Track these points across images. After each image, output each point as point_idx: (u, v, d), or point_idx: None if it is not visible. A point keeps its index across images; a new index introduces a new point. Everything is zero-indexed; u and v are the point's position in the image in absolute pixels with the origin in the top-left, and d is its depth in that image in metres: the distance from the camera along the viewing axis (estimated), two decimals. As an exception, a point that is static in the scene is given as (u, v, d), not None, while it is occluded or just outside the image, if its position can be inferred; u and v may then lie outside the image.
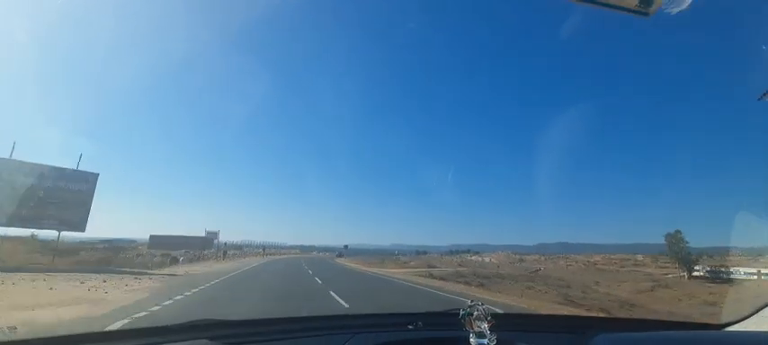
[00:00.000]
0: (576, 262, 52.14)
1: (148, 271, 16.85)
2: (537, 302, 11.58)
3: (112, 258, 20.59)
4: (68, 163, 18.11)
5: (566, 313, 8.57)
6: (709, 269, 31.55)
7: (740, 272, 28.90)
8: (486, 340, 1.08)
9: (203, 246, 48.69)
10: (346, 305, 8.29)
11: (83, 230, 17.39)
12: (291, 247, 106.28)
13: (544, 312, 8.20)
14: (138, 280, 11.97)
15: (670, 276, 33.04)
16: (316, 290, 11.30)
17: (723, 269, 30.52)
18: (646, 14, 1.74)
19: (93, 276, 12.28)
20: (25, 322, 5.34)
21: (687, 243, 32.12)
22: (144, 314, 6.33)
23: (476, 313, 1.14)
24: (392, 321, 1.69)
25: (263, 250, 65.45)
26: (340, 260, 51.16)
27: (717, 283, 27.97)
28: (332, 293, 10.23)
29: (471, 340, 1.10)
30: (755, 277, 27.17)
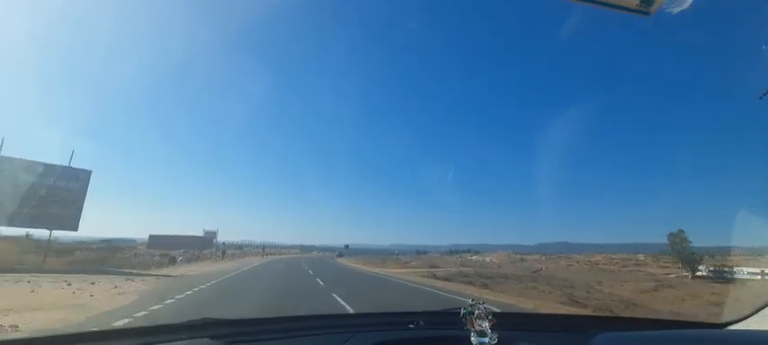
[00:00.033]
0: (578, 262, 51.99)
1: (143, 272, 16.49)
2: (542, 303, 11.36)
3: (108, 258, 20.17)
4: (65, 162, 17.64)
5: (572, 313, 8.41)
6: (712, 268, 31.33)
7: (743, 272, 28.71)
8: (487, 339, 1.07)
9: (203, 246, 48.56)
10: (350, 309, 8.02)
11: (75, 229, 16.87)
12: (291, 247, 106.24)
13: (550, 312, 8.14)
14: (130, 282, 11.60)
15: (672, 276, 32.84)
16: (317, 292, 10.97)
17: (726, 269, 30.31)
18: (646, 14, 1.72)
19: (84, 277, 11.93)
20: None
21: (690, 242, 31.93)
22: (126, 321, 5.91)
23: (477, 311, 1.13)
24: (393, 319, 1.70)
25: (263, 250, 65.22)
26: (341, 260, 50.94)
27: (720, 283, 27.80)
28: (335, 296, 9.93)
29: (472, 338, 1.09)
30: (759, 277, 26.99)
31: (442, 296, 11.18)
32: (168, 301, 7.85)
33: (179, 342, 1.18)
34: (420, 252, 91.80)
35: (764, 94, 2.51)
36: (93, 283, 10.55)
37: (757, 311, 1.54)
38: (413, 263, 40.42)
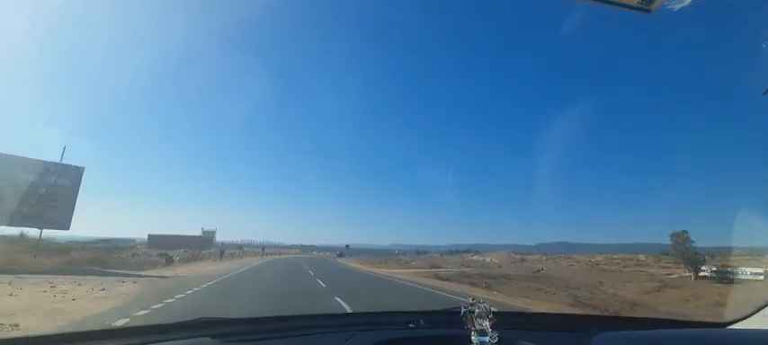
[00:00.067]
0: (579, 262, 51.87)
1: (137, 272, 15.93)
2: (548, 305, 11.11)
3: (103, 258, 19.55)
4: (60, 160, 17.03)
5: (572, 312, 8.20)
6: (715, 269, 31.15)
7: (746, 272, 28.53)
8: (487, 338, 1.06)
9: (202, 246, 48.22)
10: None
11: (67, 228, 16.31)
12: (291, 246, 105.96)
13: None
14: (120, 284, 11.05)
15: (674, 276, 32.69)
16: (319, 295, 10.47)
17: (729, 270, 30.13)
18: (647, 11, 1.71)
19: (73, 278, 11.39)
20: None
21: (693, 242, 31.75)
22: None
23: (477, 310, 1.11)
24: (393, 319, 1.69)
25: (263, 249, 64.77)
26: (341, 261, 50.65)
27: (724, 283, 27.64)
28: (338, 299, 9.51)
29: (473, 337, 1.08)
30: (762, 277, 26.78)
31: (451, 299, 10.83)
32: (156, 306, 7.22)
33: (179, 341, 1.18)
34: (420, 252, 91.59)
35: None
36: (80, 285, 10.00)
37: (758, 310, 1.54)
38: (414, 263, 40.15)
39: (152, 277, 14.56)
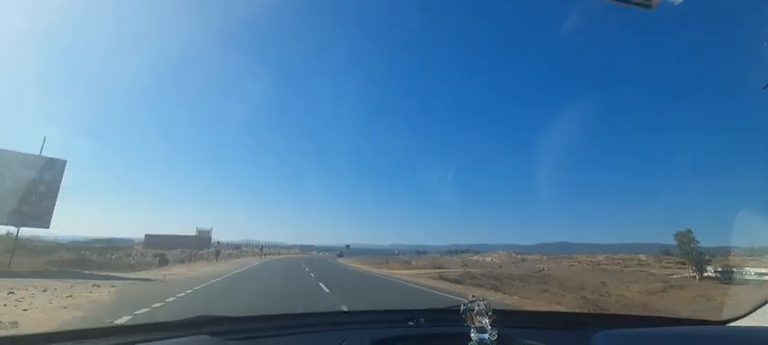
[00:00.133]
0: (579, 262, 51.66)
1: (122, 275, 14.89)
2: (557, 307, 10.57)
3: (89, 259, 18.57)
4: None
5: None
6: (720, 269, 30.83)
7: (751, 273, 28.23)
8: (487, 335, 1.06)
9: (200, 246, 47.60)
10: None
11: (47, 226, 15.08)
12: (291, 247, 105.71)
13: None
14: (94, 289, 9.98)
15: (677, 276, 32.35)
16: (322, 301, 9.57)
17: (735, 270, 29.81)
18: (648, 7, 1.71)
19: (43, 282, 10.41)
20: None
21: (698, 242, 31.38)
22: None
23: (477, 308, 1.10)
24: (392, 317, 1.69)
25: (261, 249, 64.18)
26: (342, 261, 50.16)
27: (729, 284, 27.32)
28: (345, 309, 8.61)
29: (472, 335, 1.07)
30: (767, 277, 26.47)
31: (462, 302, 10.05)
32: (124, 318, 6.13)
33: (179, 339, 1.19)
34: (420, 251, 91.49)
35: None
36: (45, 290, 8.90)
37: (756, 308, 1.56)
38: (415, 264, 39.61)
39: (136, 279, 13.51)
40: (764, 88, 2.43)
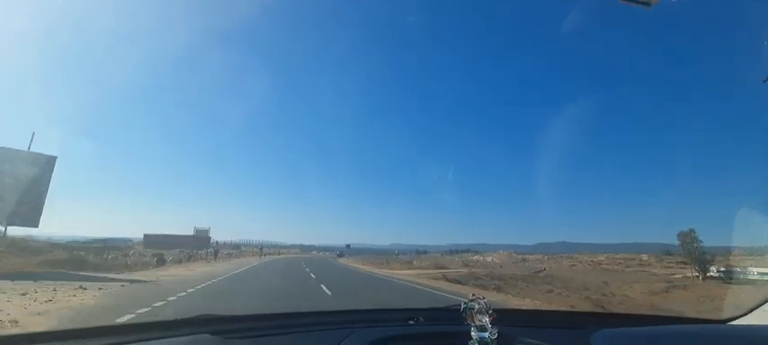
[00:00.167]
0: (581, 262, 51.48)
1: (116, 276, 14.26)
2: (565, 308, 10.30)
3: (83, 259, 17.97)
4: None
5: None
6: (723, 269, 30.67)
7: (754, 272, 28.07)
8: (487, 334, 1.05)
9: (199, 245, 47.31)
10: None
11: (36, 225, 14.43)
12: (291, 246, 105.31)
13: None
14: (79, 291, 9.30)
15: (679, 276, 32.20)
16: (325, 304, 9.12)
17: (739, 269, 29.65)
18: (647, 4, 1.69)
19: (28, 284, 9.82)
20: None
21: (701, 242, 31.20)
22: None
23: (477, 306, 1.10)
24: (393, 316, 1.69)
25: (261, 249, 63.88)
26: (342, 261, 49.93)
27: (733, 283, 27.17)
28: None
29: (473, 333, 1.07)
30: (770, 277, 26.26)
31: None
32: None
33: (180, 338, 1.20)
34: (420, 251, 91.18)
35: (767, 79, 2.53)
36: (24, 293, 8.26)
37: (757, 306, 1.56)
38: (417, 264, 39.36)
39: (128, 281, 12.86)
40: (765, 81, 2.44)
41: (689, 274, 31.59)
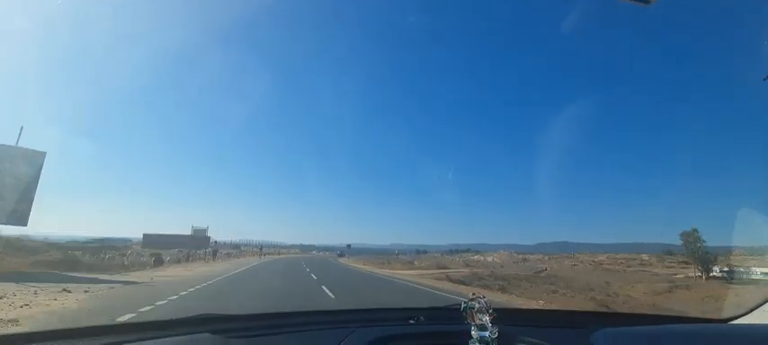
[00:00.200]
0: (581, 262, 51.37)
1: (109, 277, 13.68)
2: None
3: (77, 259, 17.58)
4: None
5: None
6: (726, 269, 30.52)
7: (757, 272, 27.93)
8: (487, 333, 1.05)
9: (198, 245, 47.00)
10: None
11: (24, 223, 13.70)
12: (290, 246, 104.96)
13: None
14: (63, 294, 8.77)
15: (681, 276, 32.06)
16: (327, 305, 8.92)
17: (742, 269, 29.50)
18: (646, 3, 1.66)
19: (13, 286, 9.26)
20: None
21: (704, 242, 31.03)
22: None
23: (477, 305, 1.09)
24: (393, 315, 1.69)
25: (261, 249, 63.55)
26: (343, 261, 49.70)
27: (736, 283, 27.05)
28: None
29: (473, 332, 1.07)
30: (773, 277, 26.12)
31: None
32: None
33: (180, 337, 1.20)
34: (420, 251, 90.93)
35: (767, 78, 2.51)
36: (0, 297, 7.69)
37: (758, 306, 1.55)
38: (418, 264, 39.11)
39: (120, 282, 12.26)
40: (765, 79, 2.42)
41: (691, 274, 31.47)
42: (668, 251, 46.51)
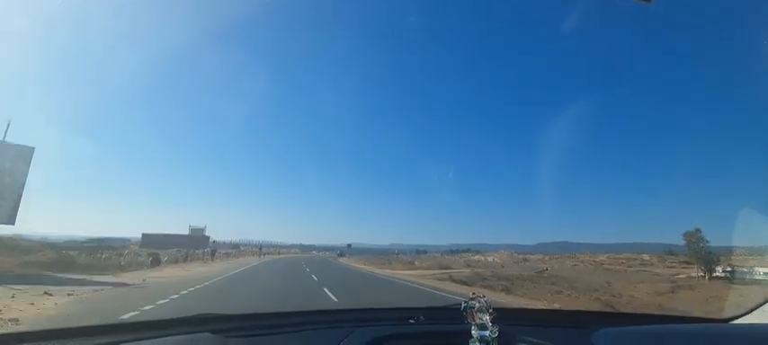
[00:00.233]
0: (582, 262, 51.23)
1: (101, 278, 13.24)
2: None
3: (71, 259, 17.10)
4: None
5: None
6: (729, 269, 30.39)
7: (760, 272, 27.81)
8: (487, 333, 1.04)
9: (196, 245, 46.71)
10: None
11: (12, 222, 13.29)
12: (290, 246, 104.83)
13: None
14: (43, 297, 8.30)
15: (682, 276, 31.90)
16: (328, 306, 8.60)
17: (745, 269, 29.36)
18: (647, 0, 1.65)
19: None
20: None
21: (707, 242, 30.89)
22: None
23: (477, 305, 1.08)
24: (393, 315, 1.69)
25: (260, 249, 63.25)
26: (343, 261, 49.45)
27: (738, 283, 26.92)
28: None
29: (473, 332, 1.06)
30: (775, 277, 26.00)
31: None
32: None
33: (180, 337, 1.20)
34: (420, 251, 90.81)
35: None
36: None
37: (759, 306, 1.55)
38: (419, 264, 38.84)
39: (111, 284, 11.69)
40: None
41: (693, 274, 31.36)
42: (669, 251, 46.52)
